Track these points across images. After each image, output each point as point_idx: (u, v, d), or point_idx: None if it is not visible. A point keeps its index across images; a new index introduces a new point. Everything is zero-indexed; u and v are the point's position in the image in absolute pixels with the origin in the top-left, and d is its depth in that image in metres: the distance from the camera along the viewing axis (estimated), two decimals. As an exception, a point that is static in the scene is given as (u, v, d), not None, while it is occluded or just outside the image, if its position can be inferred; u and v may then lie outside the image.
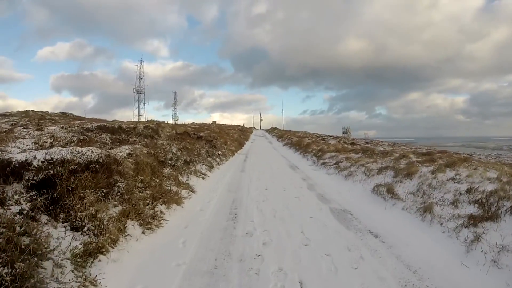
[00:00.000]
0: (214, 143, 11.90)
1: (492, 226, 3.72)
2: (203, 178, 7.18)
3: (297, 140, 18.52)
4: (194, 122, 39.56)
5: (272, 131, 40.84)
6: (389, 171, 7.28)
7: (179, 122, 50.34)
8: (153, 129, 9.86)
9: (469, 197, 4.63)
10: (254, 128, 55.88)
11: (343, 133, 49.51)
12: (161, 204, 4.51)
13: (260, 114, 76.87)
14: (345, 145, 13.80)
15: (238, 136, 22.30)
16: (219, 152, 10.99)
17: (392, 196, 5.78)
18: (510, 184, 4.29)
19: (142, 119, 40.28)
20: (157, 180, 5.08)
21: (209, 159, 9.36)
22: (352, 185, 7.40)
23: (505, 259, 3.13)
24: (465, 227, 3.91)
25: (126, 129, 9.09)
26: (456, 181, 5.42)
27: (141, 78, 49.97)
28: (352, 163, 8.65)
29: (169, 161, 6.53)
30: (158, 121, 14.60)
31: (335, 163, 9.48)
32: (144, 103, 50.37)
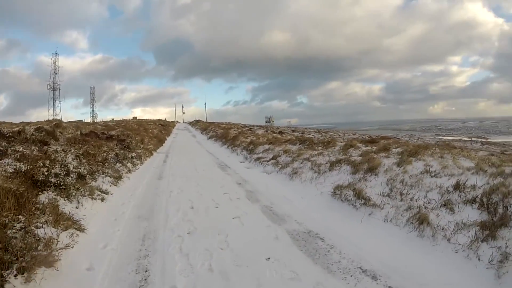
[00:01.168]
0: (127, 142, 12.06)
1: (509, 234, 3.69)
2: (102, 199, 6.13)
3: (222, 132, 20.17)
4: (113, 119, 42.60)
5: (195, 123, 45.11)
6: (343, 165, 7.14)
7: (98, 119, 54.20)
8: (47, 132, 9.33)
9: (461, 195, 4.67)
10: (177, 121, 62.79)
11: (266, 122, 56.90)
12: (15, 276, 3.12)
13: (183, 107, 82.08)
14: (274, 134, 14.40)
15: (159, 132, 23.99)
16: (133, 154, 10.93)
17: (365, 202, 5.41)
18: (504, 176, 4.57)
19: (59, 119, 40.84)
20: (22, 220, 3.87)
21: (118, 165, 8.97)
22: (302, 187, 6.94)
23: None
24: (482, 241, 3.75)
25: (8, 134, 8.22)
26: (432, 174, 5.56)
27: (56, 73, 53.91)
28: (294, 157, 8.50)
29: (53, 179, 5.71)
30: (59, 120, 14.30)
31: (272, 158, 9.32)
32: (60, 101, 54.62)
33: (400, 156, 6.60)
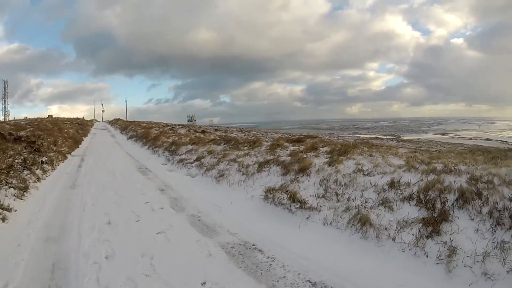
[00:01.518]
0: (38, 145, 11.53)
1: (451, 228, 3.93)
2: (3, 219, 5.28)
3: (143, 132, 20.43)
4: (26, 117, 41.89)
5: (115, 122, 45.07)
6: (272, 166, 6.98)
7: (11, 118, 50.42)
8: None
9: (397, 193, 4.88)
10: (96, 120, 62.60)
11: (188, 121, 58.79)
12: None
13: (102, 105, 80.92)
14: (197, 133, 14.12)
15: (75, 132, 23.60)
16: (44, 159, 10.31)
17: (300, 206, 5.23)
18: (437, 173, 4.95)
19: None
20: None
21: (26, 173, 8.24)
22: (230, 191, 6.60)
23: (491, 267, 3.23)
24: (427, 238, 3.89)
25: None
26: (365, 173, 5.76)
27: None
28: (219, 158, 8.22)
29: None
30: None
31: (196, 160, 9.06)
32: (-37, 97, 40.47)
33: (330, 155, 6.74)
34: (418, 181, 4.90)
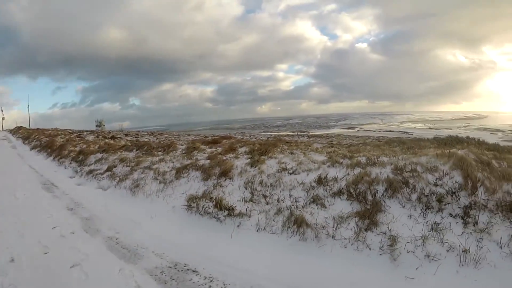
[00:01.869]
0: None
1: (386, 218, 3.92)
2: None
3: (48, 141, 18.67)
4: None
5: (16, 131, 41.22)
6: (191, 171, 6.24)
7: None
8: None
9: (326, 189, 4.75)
10: None
11: (96, 126, 56.51)
12: None
13: (2, 111, 64.96)
14: (107, 140, 12.38)
15: None
16: None
17: (229, 213, 4.67)
18: (362, 166, 4.99)
19: None
20: None
21: None
22: (148, 203, 5.67)
23: (432, 248, 3.35)
24: (366, 230, 3.78)
25: None
26: (290, 172, 5.53)
27: None
28: (132, 166, 7.28)
29: None
30: None
31: (107, 170, 7.93)
32: None
33: (250, 156, 6.36)
34: (345, 176, 4.88)
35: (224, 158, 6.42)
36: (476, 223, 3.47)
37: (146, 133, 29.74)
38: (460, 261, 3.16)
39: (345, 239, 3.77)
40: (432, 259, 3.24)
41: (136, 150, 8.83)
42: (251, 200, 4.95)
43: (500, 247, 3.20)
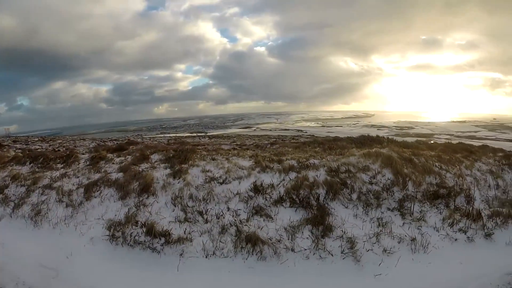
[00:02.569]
0: None
1: (336, 222, 4.00)
2: None
3: None
4: None
5: None
6: (103, 188, 5.08)
7: None
8: None
9: (266, 198, 4.53)
10: None
11: None
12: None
13: None
14: None
15: None
16: None
17: (166, 240, 3.95)
18: (297, 170, 4.92)
19: None
20: None
21: None
22: (57, 236, 4.28)
23: (386, 242, 3.62)
24: (322, 237, 3.77)
25: None
26: (220, 181, 5.07)
27: None
28: (28, 184, 5.44)
29: None
30: None
31: None
32: None
33: (168, 165, 5.63)
34: (281, 181, 4.79)
35: (140, 169, 5.46)
36: (412, 213, 3.89)
37: (37, 139, 25.08)
38: (411, 249, 3.49)
39: (305, 249, 3.68)
40: (389, 252, 3.51)
41: (30, 163, 6.66)
42: (186, 219, 4.33)
43: (437, 230, 3.68)
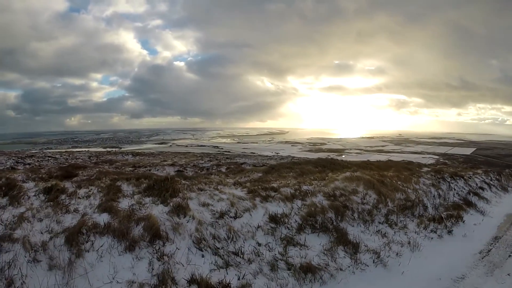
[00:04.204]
0: None
1: (356, 239, 4.92)
2: None
3: None
4: None
5: None
6: (94, 237, 3.87)
7: None
8: None
9: (288, 227, 4.92)
10: None
11: None
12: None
13: None
14: None
15: None
16: None
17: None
18: (300, 197, 5.38)
19: None
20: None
21: None
22: None
23: (395, 247, 4.80)
24: (355, 254, 4.60)
25: None
26: (232, 215, 4.96)
27: None
28: None
29: None
30: None
31: None
32: None
33: (156, 199, 5.02)
34: (291, 210, 5.26)
35: (122, 206, 4.59)
36: (396, 223, 5.32)
37: None
38: (411, 250, 4.88)
39: (349, 266, 4.38)
40: (400, 255, 4.71)
41: None
42: (227, 264, 4.07)
43: (417, 233, 5.22)
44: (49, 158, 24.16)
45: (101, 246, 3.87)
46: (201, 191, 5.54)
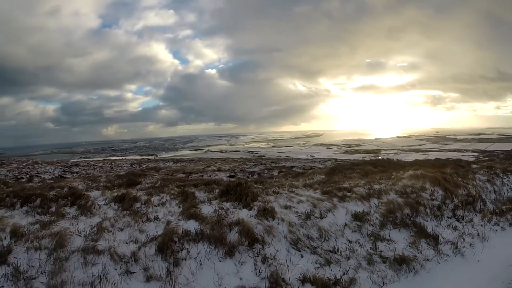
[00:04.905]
0: None
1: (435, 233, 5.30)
2: None
3: None
4: None
5: None
6: (189, 245, 4.05)
7: None
8: None
9: (371, 224, 5.29)
10: None
11: None
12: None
13: None
14: None
15: None
16: None
17: None
18: (376, 196, 5.73)
19: None
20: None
21: None
22: None
23: (468, 239, 5.21)
24: (436, 245, 4.97)
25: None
26: (317, 216, 5.32)
27: None
28: (50, 248, 3.31)
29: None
30: None
31: None
32: None
33: (236, 204, 5.29)
34: (370, 208, 5.59)
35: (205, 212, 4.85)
36: (463, 217, 5.70)
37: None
38: (481, 241, 5.17)
39: (434, 257, 4.74)
40: (473, 246, 5.01)
41: (22, 206, 3.98)
42: (328, 262, 4.25)
43: (483, 226, 5.59)
44: (95, 167, 23.78)
45: (198, 253, 3.95)
46: (277, 194, 5.79)
